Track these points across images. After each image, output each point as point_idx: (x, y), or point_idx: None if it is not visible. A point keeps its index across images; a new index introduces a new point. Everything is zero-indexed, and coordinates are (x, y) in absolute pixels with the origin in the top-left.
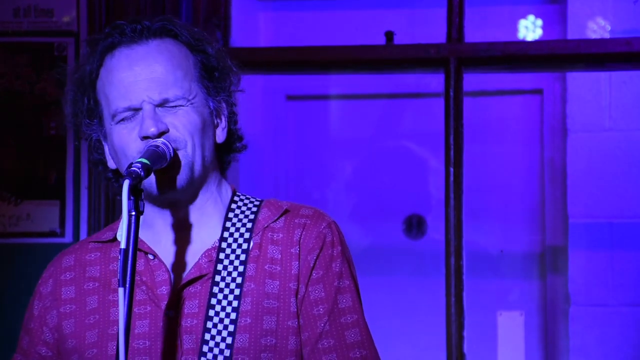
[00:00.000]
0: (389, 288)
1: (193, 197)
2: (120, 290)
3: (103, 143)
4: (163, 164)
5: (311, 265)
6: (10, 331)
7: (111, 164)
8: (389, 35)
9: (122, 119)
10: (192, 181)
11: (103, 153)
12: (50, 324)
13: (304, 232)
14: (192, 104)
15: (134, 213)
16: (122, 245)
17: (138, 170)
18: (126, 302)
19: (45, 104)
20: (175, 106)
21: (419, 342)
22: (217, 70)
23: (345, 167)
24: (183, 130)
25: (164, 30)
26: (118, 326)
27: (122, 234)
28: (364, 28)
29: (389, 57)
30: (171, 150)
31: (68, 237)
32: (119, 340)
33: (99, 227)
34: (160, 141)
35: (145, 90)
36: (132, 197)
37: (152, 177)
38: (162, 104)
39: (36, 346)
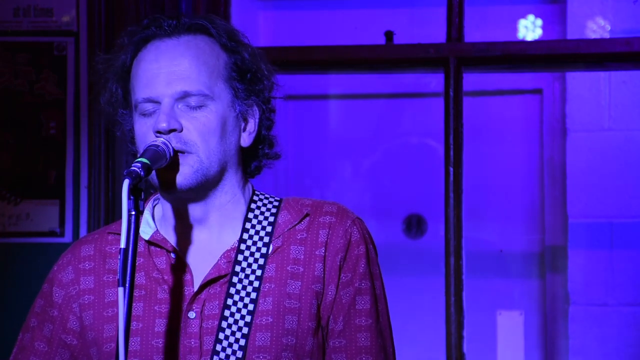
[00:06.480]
0: (388, 288)
1: (209, 198)
2: (120, 289)
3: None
4: (163, 163)
5: (338, 265)
6: (10, 330)
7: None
8: (389, 35)
9: (144, 112)
10: (205, 183)
11: (135, 143)
12: (77, 313)
13: (329, 232)
14: (214, 103)
15: (133, 213)
16: (122, 245)
17: (138, 170)
18: (126, 302)
19: (44, 104)
20: (195, 107)
21: (419, 341)
22: (249, 72)
23: (345, 166)
24: (196, 135)
25: (198, 27)
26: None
27: (122, 233)
28: (363, 28)
29: (388, 57)
30: (171, 150)
31: (68, 237)
32: (119, 340)
33: (98, 226)
34: (160, 141)
35: (166, 83)
36: (132, 197)
37: (154, 175)
38: (183, 97)
39: (61, 334)
